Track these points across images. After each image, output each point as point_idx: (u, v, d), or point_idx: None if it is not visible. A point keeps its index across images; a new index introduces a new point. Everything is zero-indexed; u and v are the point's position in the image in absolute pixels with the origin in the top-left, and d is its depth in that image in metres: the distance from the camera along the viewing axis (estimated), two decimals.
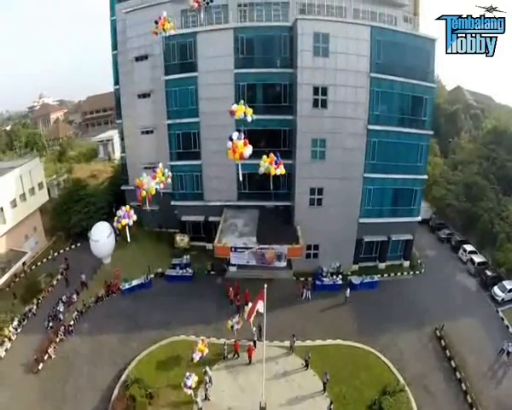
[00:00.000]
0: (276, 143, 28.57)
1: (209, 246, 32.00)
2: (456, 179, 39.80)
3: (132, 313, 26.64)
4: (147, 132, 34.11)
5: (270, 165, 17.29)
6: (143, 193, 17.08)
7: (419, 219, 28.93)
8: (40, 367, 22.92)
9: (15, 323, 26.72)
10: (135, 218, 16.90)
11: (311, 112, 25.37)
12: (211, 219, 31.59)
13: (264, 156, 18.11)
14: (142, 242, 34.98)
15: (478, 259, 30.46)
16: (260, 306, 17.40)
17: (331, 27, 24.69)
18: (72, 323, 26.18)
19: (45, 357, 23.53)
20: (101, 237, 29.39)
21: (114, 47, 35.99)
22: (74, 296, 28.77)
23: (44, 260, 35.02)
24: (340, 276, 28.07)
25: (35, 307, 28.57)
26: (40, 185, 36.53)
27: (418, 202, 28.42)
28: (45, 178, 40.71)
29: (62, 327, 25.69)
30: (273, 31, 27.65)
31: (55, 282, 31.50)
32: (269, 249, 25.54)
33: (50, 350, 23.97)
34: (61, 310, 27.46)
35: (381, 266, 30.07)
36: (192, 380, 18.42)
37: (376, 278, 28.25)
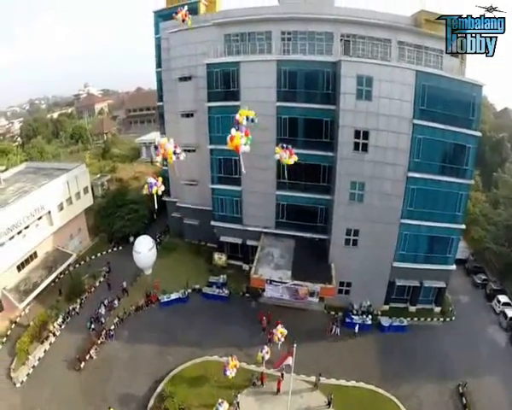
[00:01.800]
0: (316, 178, 30.49)
1: (245, 267, 34.64)
2: (497, 220, 38.99)
3: (169, 326, 29.48)
4: (189, 151, 36.45)
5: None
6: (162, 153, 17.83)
7: (454, 267, 29.37)
8: (82, 366, 26.36)
9: (60, 320, 30.60)
10: (163, 188, 18.19)
11: (351, 155, 26.56)
12: (248, 242, 33.95)
13: (277, 148, 20.39)
14: (182, 253, 38.27)
15: (511, 312, 30.23)
16: (289, 360, 19.76)
17: (375, 70, 25.28)
18: (112, 328, 29.63)
19: (87, 357, 27.02)
20: (144, 249, 32.22)
21: (159, 64, 38.73)
22: (116, 302, 32.28)
23: (87, 259, 39.00)
24: (370, 316, 29.37)
25: (78, 306, 32.39)
26: (85, 190, 40.56)
27: (454, 251, 28.86)
28: (90, 177, 44.70)
29: (104, 331, 29.26)
30: (316, 66, 28.62)
31: (97, 284, 35.35)
32: (303, 286, 27.44)
33: (92, 351, 27.47)
34: (103, 313, 31.04)
35: (412, 309, 30.93)
36: (224, 408, 20.90)
37: (405, 322, 29.24)
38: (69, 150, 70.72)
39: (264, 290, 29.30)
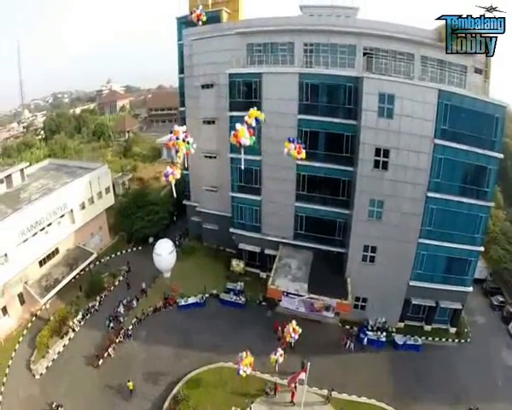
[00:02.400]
0: (335, 192, 31.07)
1: (262, 275, 35.61)
2: None
3: (186, 329, 30.67)
4: (210, 157, 37.61)
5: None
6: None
7: (471, 289, 29.40)
8: (100, 363, 27.81)
9: (79, 316, 32.17)
10: (178, 176, 17.05)
11: (371, 172, 26.90)
12: (267, 251, 34.77)
13: (287, 142, 20.25)
14: (200, 257, 39.47)
15: None
16: (302, 376, 20.56)
17: (397, 88, 25.39)
18: (130, 327, 31.04)
19: (105, 354, 28.45)
20: (164, 252, 33.34)
21: (181, 70, 39.59)
22: (134, 302, 33.72)
23: (107, 257, 40.58)
24: (385, 333, 29.79)
25: (97, 304, 33.95)
26: (107, 190, 42.14)
27: (472, 273, 28.88)
28: (111, 175, 46.32)
29: (122, 330, 30.63)
30: (339, 80, 29.00)
31: (116, 282, 36.87)
32: (318, 300, 28.19)
33: (110, 350, 28.89)
34: (122, 312, 32.47)
35: (427, 328, 31.11)
36: None
37: (420, 341, 29.48)
38: (91, 147, 72.97)
39: (280, 301, 30.05)
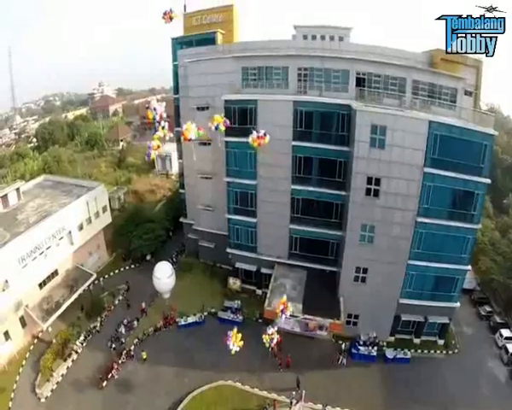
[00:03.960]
0: (329, 215, 32.50)
1: (259, 292, 37.22)
2: (505, 250, 39.90)
3: (186, 348, 32.01)
4: (206, 178, 38.69)
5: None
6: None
7: (458, 305, 31.05)
8: (104, 384, 28.94)
9: (81, 338, 33.17)
10: (161, 150, 17.02)
11: (363, 199, 28.19)
12: (263, 270, 36.23)
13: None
14: (198, 274, 40.68)
15: None
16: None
17: (389, 120, 26.36)
18: (132, 348, 32.24)
19: (109, 376, 29.60)
20: (164, 276, 34.61)
21: (176, 90, 40.19)
22: (135, 322, 34.82)
23: (106, 275, 41.55)
24: (376, 347, 31.43)
25: (98, 324, 34.93)
26: (104, 209, 42.89)
27: (459, 290, 30.46)
28: (106, 187, 46.95)
29: (124, 351, 31.79)
30: (332, 107, 30.02)
31: (116, 302, 37.90)
32: (313, 320, 29.75)
33: (114, 371, 30.10)
34: (123, 333, 33.60)
35: (416, 340, 32.87)
36: None
37: (409, 354, 31.22)
38: (84, 156, 73.26)
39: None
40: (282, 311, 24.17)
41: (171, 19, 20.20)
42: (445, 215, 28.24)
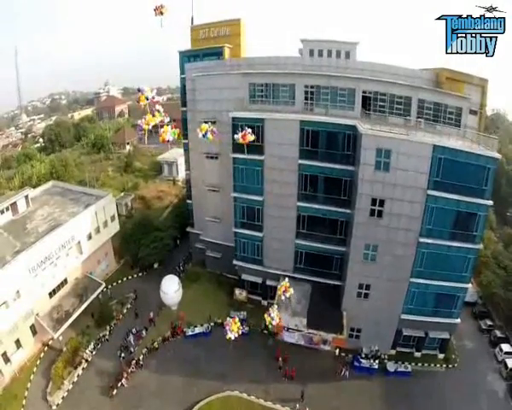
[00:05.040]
0: (334, 231, 33.55)
1: (264, 302, 38.42)
2: (507, 264, 40.54)
3: (194, 358, 33.31)
4: (213, 190, 39.70)
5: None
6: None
7: (458, 321, 32.01)
8: (114, 393, 30.26)
9: (91, 346, 34.43)
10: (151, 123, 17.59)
11: (367, 220, 29.16)
12: (268, 282, 37.40)
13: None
14: (204, 284, 41.85)
15: None
16: None
17: (394, 144, 27.14)
18: (141, 357, 33.49)
19: (119, 385, 30.93)
20: (170, 291, 35.86)
21: (183, 104, 40.88)
22: (144, 332, 36.06)
23: (114, 283, 42.78)
24: (377, 361, 32.63)
25: (108, 333, 36.20)
26: (112, 218, 43.92)
27: (459, 307, 31.40)
28: (113, 192, 47.94)
29: (134, 360, 33.03)
30: (338, 128, 30.93)
31: (124, 310, 39.12)
32: (316, 335, 30.95)
33: (123, 380, 31.38)
34: (132, 342, 34.83)
35: (417, 354, 33.98)
36: None
37: (410, 367, 32.42)
38: (91, 159, 74.46)
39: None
40: (284, 292, 25.79)
41: (161, 13, 21.42)
42: (447, 236, 29.11)
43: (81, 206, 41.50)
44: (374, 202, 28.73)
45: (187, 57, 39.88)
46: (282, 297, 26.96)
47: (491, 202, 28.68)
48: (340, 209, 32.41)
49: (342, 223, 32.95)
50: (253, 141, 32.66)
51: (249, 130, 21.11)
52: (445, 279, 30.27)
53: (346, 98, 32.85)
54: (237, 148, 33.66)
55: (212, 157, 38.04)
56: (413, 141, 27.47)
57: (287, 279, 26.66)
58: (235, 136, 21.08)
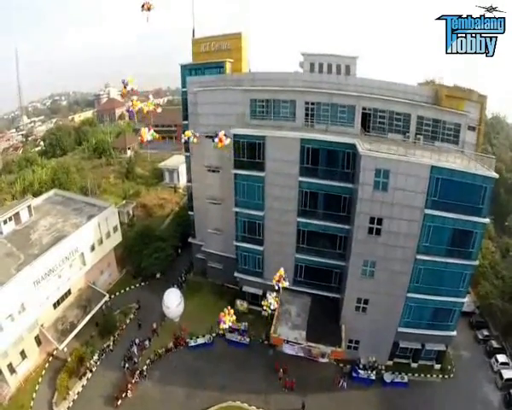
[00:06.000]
0: (333, 246, 34.58)
1: (265, 313, 38.83)
2: (505, 274, 41.36)
3: (197, 369, 34.39)
4: (214, 203, 40.62)
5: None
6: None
7: (454, 333, 33.08)
8: (119, 403, 31.31)
9: (95, 357, 35.47)
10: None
11: (365, 237, 30.13)
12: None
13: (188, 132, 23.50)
14: (206, 294, 42.95)
15: (507, 374, 33.13)
16: None
17: (392, 164, 28.00)
18: (145, 368, 34.56)
19: (123, 395, 31.97)
20: (172, 305, 36.67)
21: (185, 117, 41.51)
22: (147, 343, 37.13)
23: (117, 293, 43.79)
24: (375, 371, 33.77)
25: (111, 343, 37.24)
26: (115, 228, 44.71)
27: (455, 320, 32.48)
28: (115, 200, 48.50)
29: (138, 371, 34.09)
30: (338, 146, 31.75)
31: (127, 321, 40.15)
32: (315, 347, 32.01)
33: (128, 390, 32.43)
34: (136, 353, 35.88)
35: (414, 365, 35.06)
36: None
37: (406, 378, 33.59)
38: (92, 164, 75.28)
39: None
40: (279, 281, 26.47)
41: (148, 9, 21.69)
42: (443, 252, 30.02)
43: (84, 217, 42.33)
44: (372, 220, 29.67)
45: (188, 70, 40.51)
46: (276, 286, 26.81)
47: (487, 220, 29.70)
48: (339, 225, 33.38)
49: (341, 238, 33.98)
50: (254, 157, 33.94)
51: (223, 132, 22.08)
52: (441, 294, 31.25)
53: (346, 115, 33.62)
54: (239, 164, 34.71)
55: (213, 170, 38.89)
56: (411, 162, 28.24)
57: (282, 269, 27.05)
58: (213, 143, 22.37)
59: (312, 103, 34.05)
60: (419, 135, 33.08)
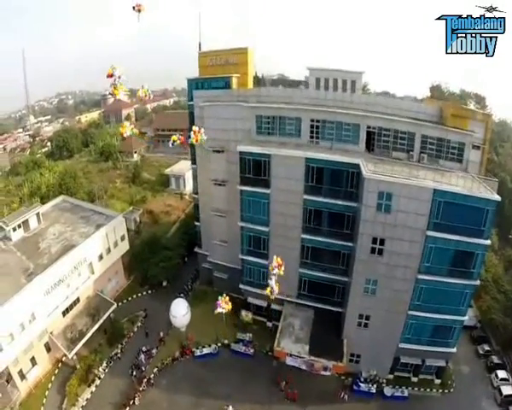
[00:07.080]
0: (336, 262, 35.58)
1: (269, 324, 40.85)
2: (507, 288, 42.06)
3: (202, 379, 35.70)
4: (220, 216, 41.71)
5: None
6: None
7: (454, 350, 33.95)
8: None
9: (104, 364, 36.87)
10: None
11: (368, 257, 31.12)
12: (272, 306, 39.62)
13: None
14: (212, 303, 42.91)
15: (507, 390, 34.14)
16: None
17: (395, 187, 28.72)
18: (152, 376, 35.91)
19: (131, 403, 33.39)
20: (179, 315, 38.11)
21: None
22: (154, 351, 38.48)
23: (124, 301, 45.11)
24: (375, 385, 34.94)
25: (119, 351, 38.60)
26: (122, 237, 46.01)
27: (456, 337, 33.36)
28: (121, 205, 49.53)
29: (145, 379, 35.44)
30: (342, 166, 32.41)
31: (135, 329, 41.49)
32: (318, 361, 33.18)
33: (135, 398, 33.81)
34: (143, 361, 37.23)
35: (414, 379, 36.16)
36: None
37: (406, 392, 34.72)
38: (98, 168, 76.58)
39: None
40: (278, 267, 27.25)
41: (139, 10, 22.41)
42: (445, 273, 30.82)
43: (92, 226, 43.64)
44: (374, 240, 30.64)
45: (195, 84, 41.41)
46: (274, 271, 27.50)
47: (489, 242, 30.40)
48: (342, 242, 34.37)
49: (344, 255, 34.99)
50: (259, 174, 34.85)
51: (198, 128, 23.23)
52: (442, 312, 32.08)
53: (351, 133, 34.45)
54: (245, 180, 35.73)
55: (219, 184, 39.91)
56: (414, 185, 28.98)
57: (279, 258, 27.83)
58: (189, 139, 23.65)
59: (317, 121, 34.88)
60: (423, 154, 33.87)
